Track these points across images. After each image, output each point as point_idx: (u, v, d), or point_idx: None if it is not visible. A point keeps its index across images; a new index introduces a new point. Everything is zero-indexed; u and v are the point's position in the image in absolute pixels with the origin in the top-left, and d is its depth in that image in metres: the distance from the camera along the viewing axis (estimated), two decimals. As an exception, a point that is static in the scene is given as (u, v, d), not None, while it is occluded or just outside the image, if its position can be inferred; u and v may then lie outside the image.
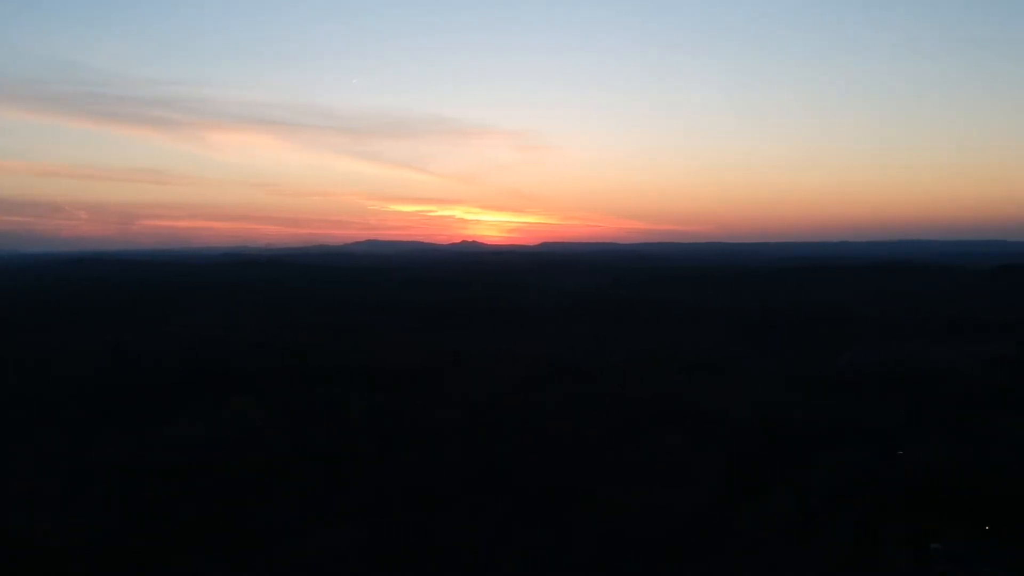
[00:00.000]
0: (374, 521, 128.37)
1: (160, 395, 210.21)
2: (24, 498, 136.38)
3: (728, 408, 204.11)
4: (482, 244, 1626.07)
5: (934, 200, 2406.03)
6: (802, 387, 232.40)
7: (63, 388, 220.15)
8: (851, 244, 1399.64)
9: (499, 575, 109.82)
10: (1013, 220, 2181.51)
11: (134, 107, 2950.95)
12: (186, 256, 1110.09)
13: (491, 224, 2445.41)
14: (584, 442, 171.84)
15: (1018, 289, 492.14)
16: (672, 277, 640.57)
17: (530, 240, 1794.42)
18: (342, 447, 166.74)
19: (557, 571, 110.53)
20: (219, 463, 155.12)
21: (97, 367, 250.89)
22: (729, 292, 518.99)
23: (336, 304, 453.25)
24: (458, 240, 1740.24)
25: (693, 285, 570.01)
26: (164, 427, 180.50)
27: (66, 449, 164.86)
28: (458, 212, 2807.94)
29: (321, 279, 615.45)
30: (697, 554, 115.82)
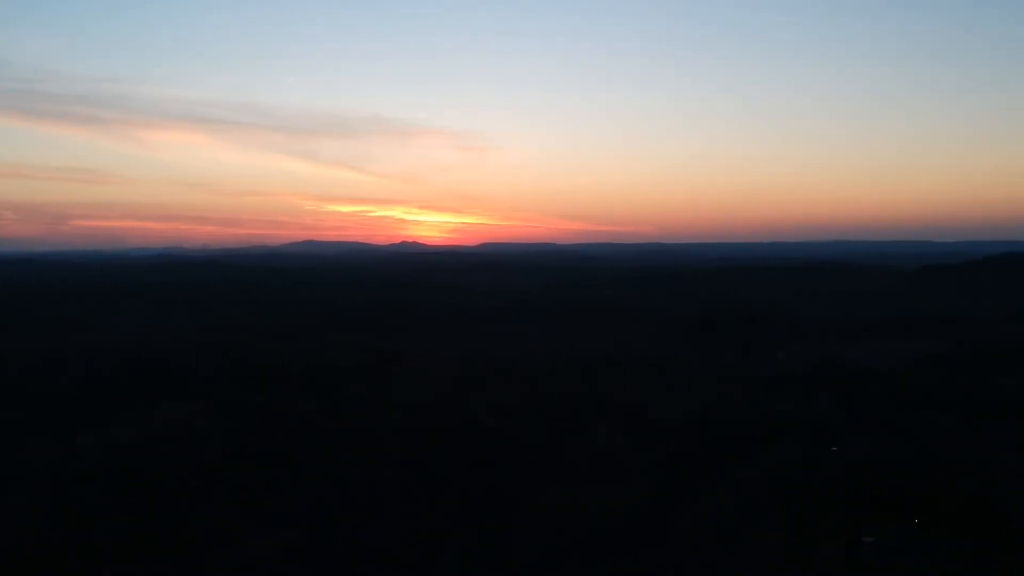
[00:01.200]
0: (312, 524, 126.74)
1: (93, 400, 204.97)
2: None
3: (666, 406, 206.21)
4: (422, 245, 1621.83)
5: (863, 202, 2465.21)
6: (738, 385, 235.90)
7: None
8: (785, 244, 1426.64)
9: (440, 572, 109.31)
10: (937, 221, 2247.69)
11: (65, 105, 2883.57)
12: (120, 257, 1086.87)
13: (431, 225, 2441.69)
14: (523, 442, 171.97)
15: (943, 288, 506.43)
16: (611, 277, 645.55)
17: (470, 241, 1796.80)
18: (279, 450, 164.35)
19: (495, 572, 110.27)
20: (153, 468, 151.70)
21: (27, 371, 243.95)
22: (667, 292, 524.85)
23: (273, 305, 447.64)
24: (398, 241, 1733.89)
25: (632, 285, 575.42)
26: (97, 432, 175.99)
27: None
28: (398, 212, 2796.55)
29: (258, 280, 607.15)
30: (636, 553, 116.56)
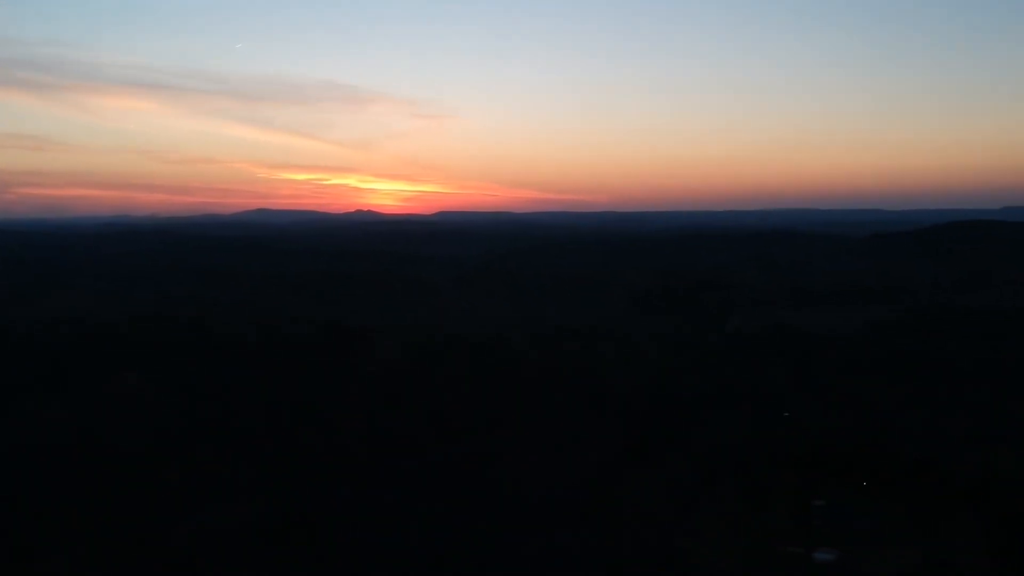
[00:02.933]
0: (271, 496, 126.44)
1: (42, 371, 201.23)
2: None
3: (622, 374, 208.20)
4: (377, 213, 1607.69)
5: (817, 170, 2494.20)
6: (692, 352, 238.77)
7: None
8: (739, 213, 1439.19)
9: (394, 545, 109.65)
10: (887, 189, 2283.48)
11: (4, 69, 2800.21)
12: (67, 226, 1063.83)
13: (386, 193, 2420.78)
14: (481, 412, 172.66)
15: (892, 255, 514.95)
16: (566, 246, 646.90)
17: (426, 209, 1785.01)
18: (237, 422, 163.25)
19: (454, 538, 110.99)
20: (106, 440, 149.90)
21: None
22: (622, 261, 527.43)
23: (226, 275, 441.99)
24: (352, 209, 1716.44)
25: (588, 254, 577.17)
26: (47, 403, 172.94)
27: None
28: (352, 181, 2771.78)
29: (210, 249, 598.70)
30: (593, 520, 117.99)
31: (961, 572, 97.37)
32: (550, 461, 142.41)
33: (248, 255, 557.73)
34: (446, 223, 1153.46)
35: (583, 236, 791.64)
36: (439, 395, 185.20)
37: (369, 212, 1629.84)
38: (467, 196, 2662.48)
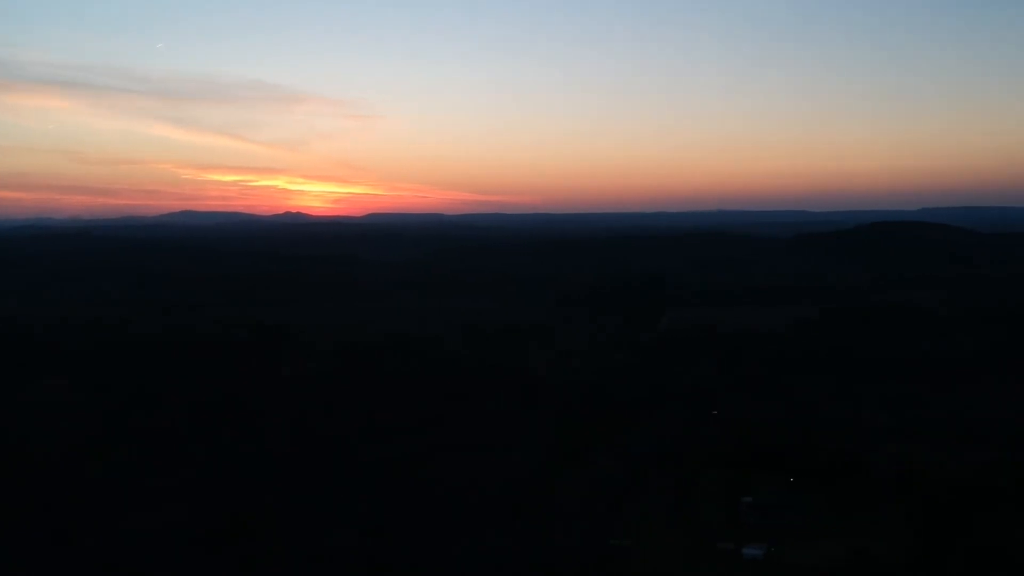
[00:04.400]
0: (195, 500, 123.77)
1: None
2: None
3: (554, 374, 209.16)
4: (307, 215, 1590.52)
5: (744, 173, 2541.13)
6: (625, 351, 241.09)
7: None
8: (669, 215, 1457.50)
9: (325, 546, 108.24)
10: (812, 191, 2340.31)
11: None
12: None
13: (316, 195, 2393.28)
14: (414, 412, 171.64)
15: (817, 256, 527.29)
16: (499, 247, 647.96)
17: (357, 211, 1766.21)
18: (161, 426, 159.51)
19: (386, 539, 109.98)
20: (26, 445, 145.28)
21: None
22: (554, 261, 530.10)
23: (150, 278, 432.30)
24: (281, 211, 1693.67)
25: (520, 255, 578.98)
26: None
27: None
28: (281, 182, 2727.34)
29: (134, 252, 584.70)
30: (525, 519, 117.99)
31: (883, 563, 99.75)
32: (483, 461, 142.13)
33: (173, 257, 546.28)
34: (377, 225, 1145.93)
35: (515, 237, 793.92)
36: (370, 396, 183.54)
37: (298, 214, 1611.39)
38: (398, 198, 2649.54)
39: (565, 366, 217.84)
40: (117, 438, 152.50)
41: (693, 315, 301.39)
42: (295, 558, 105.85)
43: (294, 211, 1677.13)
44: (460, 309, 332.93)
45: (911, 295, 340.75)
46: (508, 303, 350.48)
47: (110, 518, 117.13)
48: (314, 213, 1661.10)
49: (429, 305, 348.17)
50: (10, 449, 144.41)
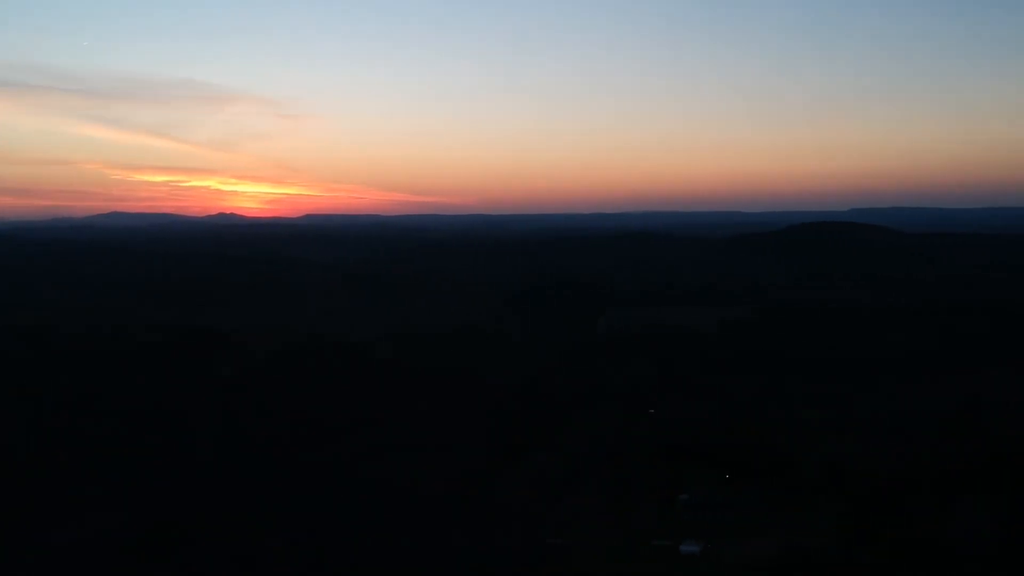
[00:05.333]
0: (127, 509, 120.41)
1: None
2: None
3: (492, 374, 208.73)
4: (240, 216, 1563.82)
5: (678, 174, 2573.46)
6: (562, 352, 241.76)
7: None
8: (604, 216, 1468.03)
9: (261, 553, 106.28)
10: (746, 192, 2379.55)
11: None
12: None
13: (250, 196, 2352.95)
14: (352, 415, 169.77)
15: (751, 255, 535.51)
16: (436, 248, 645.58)
17: (292, 212, 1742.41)
18: (91, 434, 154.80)
19: (323, 541, 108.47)
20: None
21: None
22: (492, 262, 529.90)
23: (76, 282, 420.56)
24: (214, 212, 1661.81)
25: (457, 256, 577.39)
26: None
27: None
28: (213, 183, 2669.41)
29: (59, 253, 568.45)
30: (462, 520, 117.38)
31: (816, 558, 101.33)
32: (421, 461, 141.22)
33: (101, 259, 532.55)
34: (313, 226, 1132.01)
35: (452, 238, 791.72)
36: (305, 399, 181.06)
37: (232, 215, 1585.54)
38: (335, 199, 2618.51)
39: (504, 366, 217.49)
40: (41, 447, 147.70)
41: (630, 315, 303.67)
42: (230, 564, 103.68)
43: (228, 212, 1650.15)
44: (398, 310, 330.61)
45: (842, 294, 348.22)
46: (446, 304, 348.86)
47: (34, 531, 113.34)
48: (249, 214, 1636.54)
49: (366, 306, 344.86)
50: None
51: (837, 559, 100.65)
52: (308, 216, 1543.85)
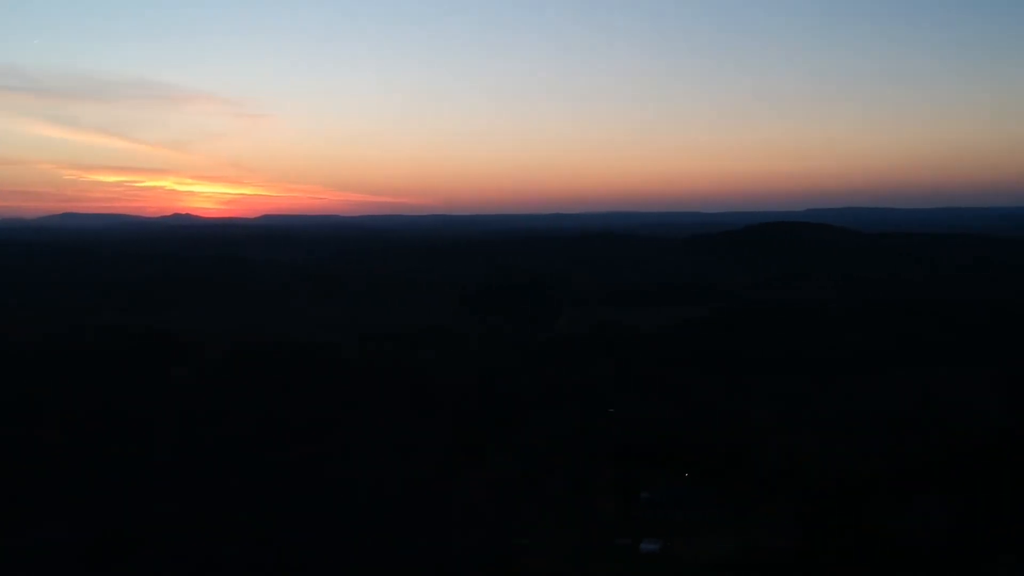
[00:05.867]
0: (78, 516, 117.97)
1: None
2: None
3: (451, 374, 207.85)
4: (197, 217, 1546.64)
5: (636, 174, 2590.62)
6: (521, 351, 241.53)
7: None
8: (562, 216, 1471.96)
9: (214, 558, 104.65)
10: (704, 193, 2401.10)
11: None
12: None
13: (206, 196, 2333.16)
14: (308, 417, 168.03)
15: (707, 256, 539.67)
16: (396, 249, 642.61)
17: (249, 212, 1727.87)
18: (40, 439, 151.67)
19: (284, 545, 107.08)
20: None
21: None
22: (451, 262, 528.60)
23: (28, 283, 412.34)
24: (169, 213, 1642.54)
25: (417, 256, 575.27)
26: None
27: None
28: (169, 183, 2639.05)
29: (11, 255, 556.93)
30: (425, 520, 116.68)
31: (774, 556, 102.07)
32: (381, 463, 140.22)
33: (54, 260, 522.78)
34: (271, 227, 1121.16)
35: (411, 238, 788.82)
36: (262, 401, 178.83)
37: (188, 215, 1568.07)
38: (292, 199, 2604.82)
39: (462, 367, 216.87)
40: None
41: (589, 315, 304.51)
42: (183, 570, 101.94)
43: (183, 212, 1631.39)
44: (356, 311, 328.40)
45: (800, 294, 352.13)
46: (405, 304, 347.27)
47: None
48: (205, 215, 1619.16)
49: (325, 308, 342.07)
50: None
51: (795, 556, 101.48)
52: (266, 217, 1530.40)
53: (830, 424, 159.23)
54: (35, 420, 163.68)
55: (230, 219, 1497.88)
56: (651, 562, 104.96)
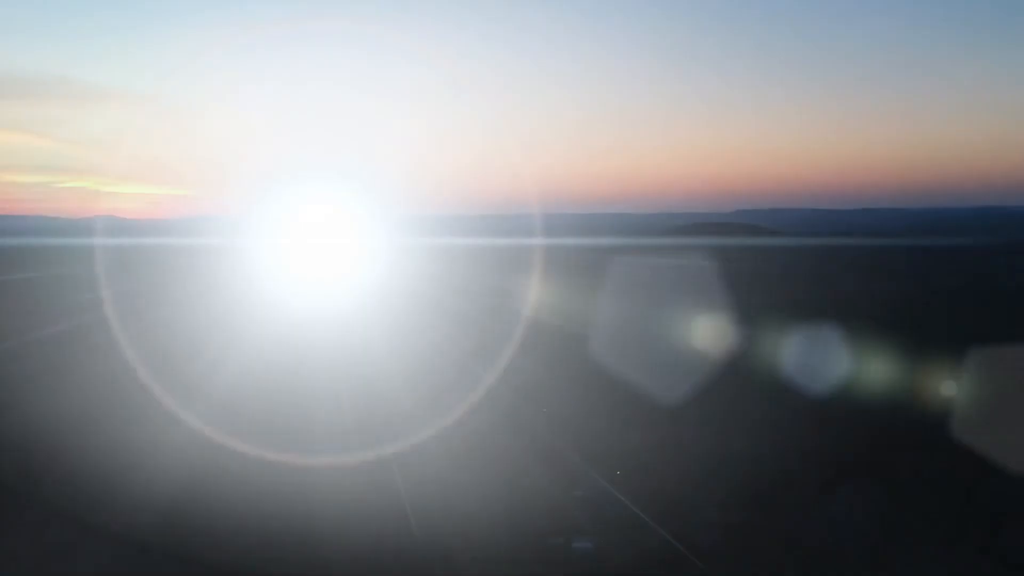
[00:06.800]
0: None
1: None
2: None
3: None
4: (120, 219, 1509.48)
5: (565, 174, 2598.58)
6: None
7: None
8: (496, 217, 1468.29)
9: None
10: (633, 192, 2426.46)
11: None
12: None
13: (130, 196, 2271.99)
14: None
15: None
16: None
17: (174, 214, 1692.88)
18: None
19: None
20: None
21: None
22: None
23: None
24: (91, 215, 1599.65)
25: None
26: None
27: None
28: (90, 184, 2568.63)
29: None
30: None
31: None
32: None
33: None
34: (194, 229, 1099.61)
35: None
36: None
37: (110, 217, 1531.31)
38: (216, 199, 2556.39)
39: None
40: None
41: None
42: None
43: (106, 214, 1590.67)
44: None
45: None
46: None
47: None
48: (131, 217, 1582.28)
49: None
50: None
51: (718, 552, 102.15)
52: (191, 218, 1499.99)
53: (748, 419, 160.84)
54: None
55: (154, 220, 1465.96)
56: (584, 561, 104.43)
